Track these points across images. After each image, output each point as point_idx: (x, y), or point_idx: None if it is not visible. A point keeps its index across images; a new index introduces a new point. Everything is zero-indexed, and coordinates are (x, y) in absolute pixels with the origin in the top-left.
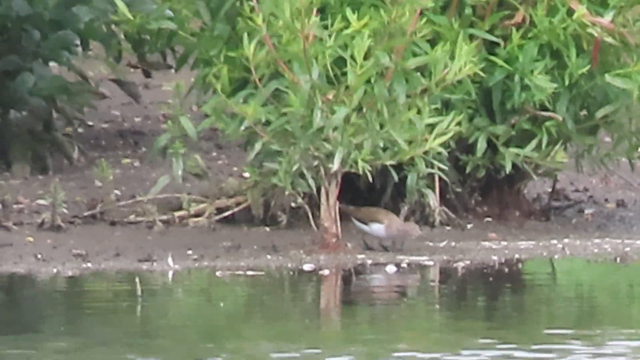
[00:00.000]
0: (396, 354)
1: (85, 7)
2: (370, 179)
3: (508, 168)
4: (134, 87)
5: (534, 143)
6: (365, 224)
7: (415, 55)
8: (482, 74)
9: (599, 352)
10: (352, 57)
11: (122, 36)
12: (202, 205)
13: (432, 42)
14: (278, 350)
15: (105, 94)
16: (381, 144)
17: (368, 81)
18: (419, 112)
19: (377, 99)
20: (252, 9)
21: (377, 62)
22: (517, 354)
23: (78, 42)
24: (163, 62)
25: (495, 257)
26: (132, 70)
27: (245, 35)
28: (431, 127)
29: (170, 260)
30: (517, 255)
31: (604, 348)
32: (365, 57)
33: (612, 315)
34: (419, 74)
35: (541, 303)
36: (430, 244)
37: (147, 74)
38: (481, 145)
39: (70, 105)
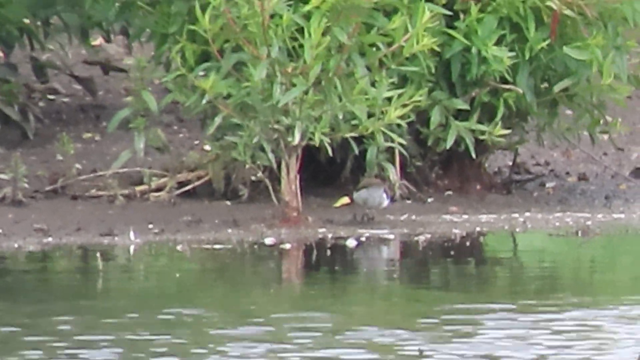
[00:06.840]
0: (352, 325)
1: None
2: (331, 153)
3: (449, 143)
4: (91, 82)
5: (475, 117)
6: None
7: (372, 27)
8: (437, 48)
9: (558, 321)
10: (309, 33)
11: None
12: (163, 180)
13: (388, 15)
14: (239, 320)
15: (58, 90)
16: (340, 116)
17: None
18: (374, 85)
19: (334, 72)
20: None
21: (335, 38)
22: (477, 323)
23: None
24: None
25: (456, 231)
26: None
27: (197, 6)
28: (391, 100)
29: (131, 234)
30: (478, 229)
31: (563, 316)
32: (323, 34)
33: (572, 286)
34: (375, 48)
35: (501, 276)
36: (391, 217)
37: (105, 72)
38: (435, 119)
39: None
